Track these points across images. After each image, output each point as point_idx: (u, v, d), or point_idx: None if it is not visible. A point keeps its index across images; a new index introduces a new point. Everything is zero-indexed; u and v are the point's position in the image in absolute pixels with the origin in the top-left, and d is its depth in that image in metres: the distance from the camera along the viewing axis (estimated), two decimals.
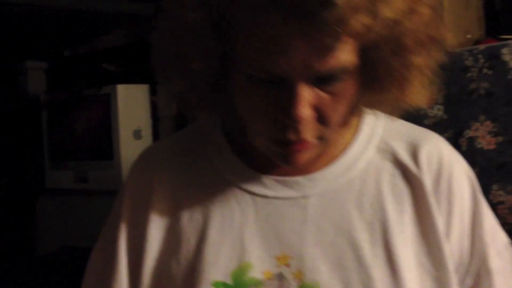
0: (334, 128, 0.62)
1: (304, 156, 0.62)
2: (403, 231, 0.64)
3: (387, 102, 0.65)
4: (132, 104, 2.34)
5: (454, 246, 0.66)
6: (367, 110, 0.69)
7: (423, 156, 0.68)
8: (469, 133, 1.54)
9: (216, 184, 0.69)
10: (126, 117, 2.32)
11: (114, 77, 2.41)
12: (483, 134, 1.52)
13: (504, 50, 1.50)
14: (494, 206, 1.48)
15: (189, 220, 0.67)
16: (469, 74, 1.55)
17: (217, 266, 0.64)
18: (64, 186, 2.52)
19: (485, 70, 1.52)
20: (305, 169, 0.67)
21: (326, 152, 0.67)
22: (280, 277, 0.63)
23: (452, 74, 1.57)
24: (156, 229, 0.68)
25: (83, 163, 2.43)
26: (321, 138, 0.62)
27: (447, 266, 0.64)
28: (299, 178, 0.67)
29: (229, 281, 0.63)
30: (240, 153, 0.70)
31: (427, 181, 0.66)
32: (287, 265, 0.63)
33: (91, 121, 2.41)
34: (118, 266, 0.70)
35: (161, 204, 0.69)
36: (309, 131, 0.60)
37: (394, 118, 0.69)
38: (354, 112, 0.66)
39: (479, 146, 1.53)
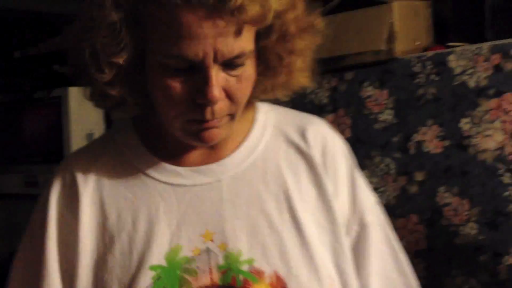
0: (240, 106, 0.74)
1: (217, 133, 0.73)
2: (303, 197, 0.78)
3: (278, 86, 0.77)
4: (84, 107, 2.31)
5: (341, 204, 0.80)
6: (261, 102, 0.82)
7: (309, 135, 0.81)
8: (417, 137, 1.59)
9: (138, 181, 0.77)
10: (78, 120, 2.28)
11: (67, 79, 2.36)
12: (431, 138, 1.57)
13: (450, 57, 1.55)
14: (440, 208, 1.53)
15: (118, 217, 0.76)
16: (417, 80, 1.60)
17: (151, 253, 0.73)
18: (13, 191, 2.46)
19: (432, 76, 1.57)
20: (214, 157, 0.78)
21: (231, 140, 0.79)
22: (208, 251, 0.73)
23: (401, 80, 1.62)
24: (87, 230, 0.76)
25: (33, 167, 2.38)
26: (230, 115, 0.73)
27: (337, 220, 0.78)
28: (210, 166, 0.78)
29: (164, 263, 0.73)
30: (156, 150, 0.79)
31: (315, 154, 0.80)
32: (212, 240, 0.74)
33: (42, 124, 2.36)
34: (48, 269, 0.76)
35: (89, 206, 0.77)
36: (221, 109, 0.71)
37: (283, 108, 0.84)
38: (252, 99, 0.78)
39: (427, 149, 1.58)
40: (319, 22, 0.75)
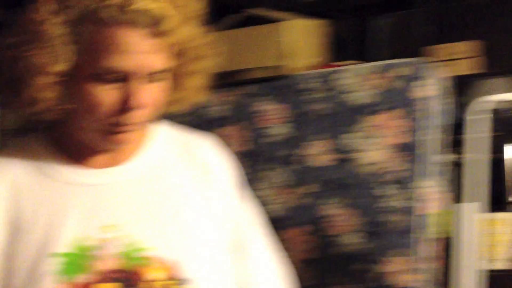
0: (154, 115, 0.87)
1: (129, 137, 0.85)
2: (193, 196, 0.91)
3: (178, 100, 0.90)
4: None
5: (227, 207, 0.93)
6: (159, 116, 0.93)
7: (203, 149, 0.95)
8: (310, 150, 1.66)
9: (48, 180, 0.86)
10: None
11: None
12: (322, 152, 1.65)
13: (342, 75, 1.64)
14: (329, 219, 1.61)
15: (29, 213, 0.85)
16: (311, 96, 1.67)
17: (59, 242, 0.83)
18: None
19: (324, 93, 1.65)
20: (117, 161, 0.89)
21: (132, 146, 0.90)
22: (110, 240, 0.84)
23: (296, 96, 1.68)
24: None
25: None
26: (143, 122, 0.86)
27: (223, 219, 0.92)
28: (114, 168, 0.89)
29: (70, 251, 0.82)
30: (65, 153, 0.88)
31: (205, 163, 0.93)
32: (115, 230, 0.84)
33: None
34: None
35: (3, 202, 0.85)
36: (141, 115, 0.83)
37: (174, 122, 0.96)
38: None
39: (319, 163, 1.65)
40: (221, 46, 0.90)
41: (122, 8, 0.77)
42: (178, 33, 0.80)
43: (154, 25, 0.78)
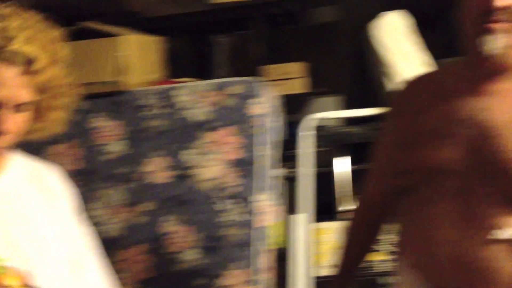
0: (15, 140, 1.02)
1: None
2: (42, 217, 1.05)
3: (41, 130, 1.07)
4: None
5: (69, 229, 1.09)
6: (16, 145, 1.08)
7: (50, 177, 1.11)
8: (147, 168, 1.65)
9: None
10: None
11: None
12: (159, 169, 1.64)
13: (178, 92, 1.66)
14: (167, 236, 1.61)
15: None
16: (147, 113, 1.66)
17: None
18: None
19: (161, 110, 1.65)
20: None
21: None
22: None
23: (132, 112, 1.66)
24: None
25: None
26: (6, 146, 1.01)
27: (63, 239, 1.07)
28: None
29: None
30: None
31: (53, 191, 1.10)
32: None
33: None
34: None
35: None
36: (4, 141, 0.99)
37: (24, 153, 1.11)
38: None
39: (157, 180, 1.64)
40: (79, 86, 1.11)
41: (0, 48, 0.94)
42: (46, 72, 0.98)
43: (27, 64, 0.96)
